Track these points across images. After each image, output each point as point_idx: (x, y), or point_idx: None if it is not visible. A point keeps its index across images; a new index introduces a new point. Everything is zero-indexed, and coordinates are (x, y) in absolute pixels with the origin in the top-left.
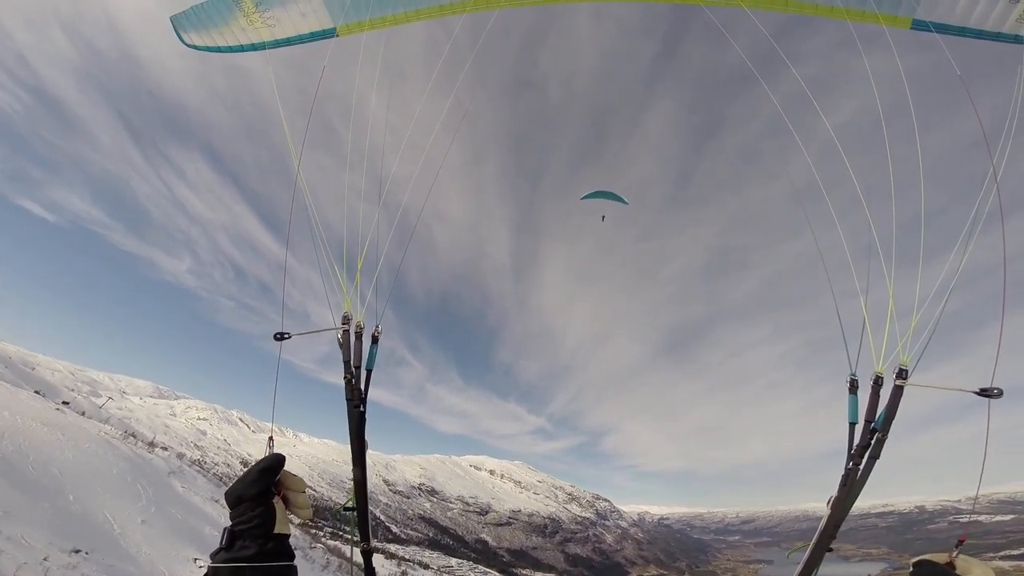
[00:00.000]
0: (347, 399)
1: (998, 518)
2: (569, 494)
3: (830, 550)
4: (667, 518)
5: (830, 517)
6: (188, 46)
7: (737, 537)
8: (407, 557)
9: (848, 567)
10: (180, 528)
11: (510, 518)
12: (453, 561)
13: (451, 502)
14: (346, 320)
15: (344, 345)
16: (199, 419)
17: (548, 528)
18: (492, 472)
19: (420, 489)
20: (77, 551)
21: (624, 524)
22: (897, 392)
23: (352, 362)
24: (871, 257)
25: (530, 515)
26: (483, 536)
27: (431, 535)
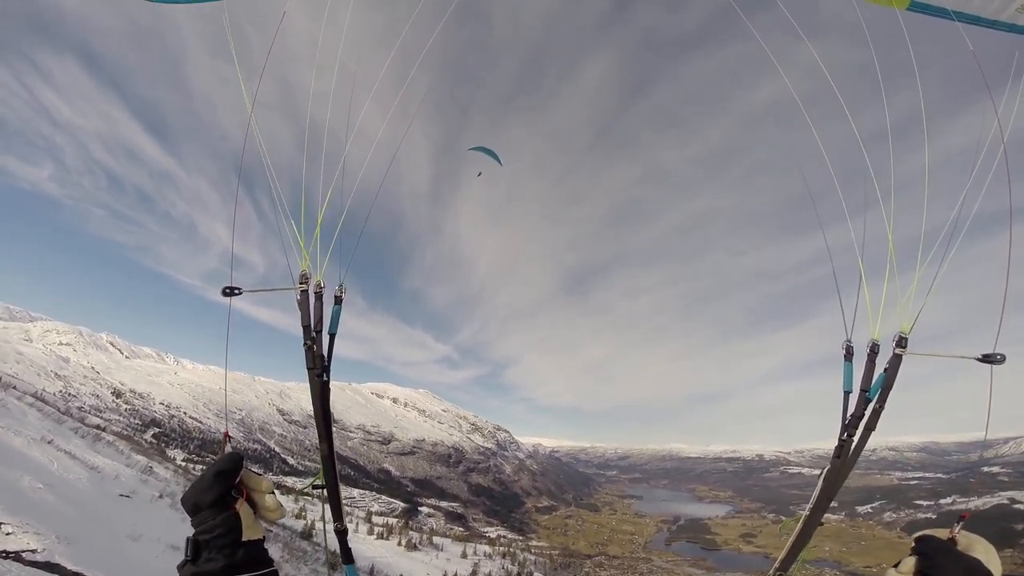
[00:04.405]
0: (308, 368)
1: (816, 471)
2: (472, 424)
3: (821, 523)
4: (557, 451)
5: (823, 489)
6: None
7: (615, 472)
8: (306, 491)
9: (701, 506)
10: None
11: (414, 447)
12: (356, 492)
13: (351, 431)
14: (304, 279)
15: (303, 307)
16: (60, 344)
17: (452, 458)
18: (395, 400)
19: None
20: None
21: (521, 455)
22: (896, 361)
23: (312, 326)
24: (867, 211)
25: (434, 444)
26: (386, 466)
27: None
